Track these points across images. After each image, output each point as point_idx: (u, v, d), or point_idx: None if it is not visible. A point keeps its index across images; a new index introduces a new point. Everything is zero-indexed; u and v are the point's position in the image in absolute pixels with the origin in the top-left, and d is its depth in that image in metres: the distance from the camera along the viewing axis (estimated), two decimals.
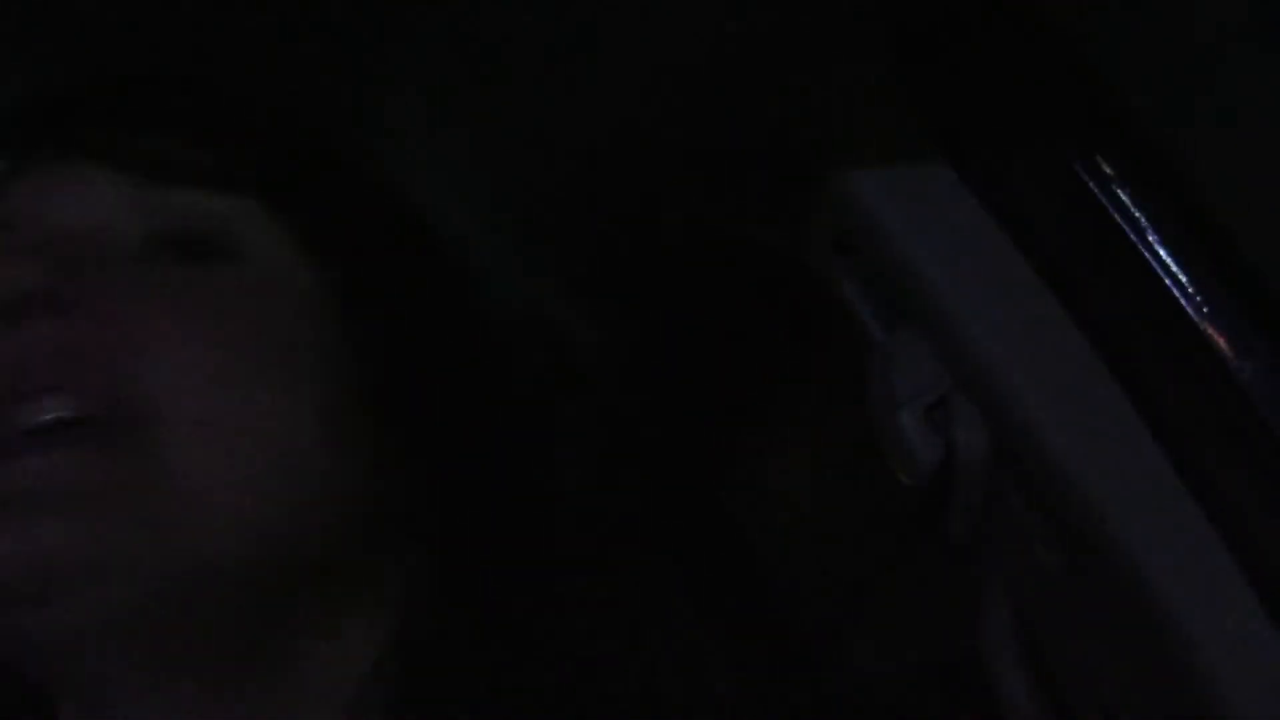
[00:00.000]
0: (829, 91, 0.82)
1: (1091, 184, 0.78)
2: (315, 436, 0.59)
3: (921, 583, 0.97)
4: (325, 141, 0.69)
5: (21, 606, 0.53)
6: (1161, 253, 0.77)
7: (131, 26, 0.77)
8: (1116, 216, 0.77)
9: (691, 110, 0.84)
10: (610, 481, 0.89)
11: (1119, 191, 0.78)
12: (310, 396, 0.60)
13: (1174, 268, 0.77)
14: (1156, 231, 0.77)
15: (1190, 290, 0.77)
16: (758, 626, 1.04)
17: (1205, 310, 0.77)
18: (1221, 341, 0.76)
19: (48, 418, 0.55)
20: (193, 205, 0.61)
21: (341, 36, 0.82)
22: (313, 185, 0.66)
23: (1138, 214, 0.77)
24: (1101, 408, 0.79)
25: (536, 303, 1.02)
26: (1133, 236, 0.77)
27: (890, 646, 1.01)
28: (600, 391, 1.02)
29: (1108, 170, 0.78)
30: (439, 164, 0.87)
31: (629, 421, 1.02)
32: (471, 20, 0.82)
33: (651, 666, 0.74)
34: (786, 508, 1.06)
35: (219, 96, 0.68)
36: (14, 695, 0.63)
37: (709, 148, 0.87)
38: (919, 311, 0.83)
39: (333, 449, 0.60)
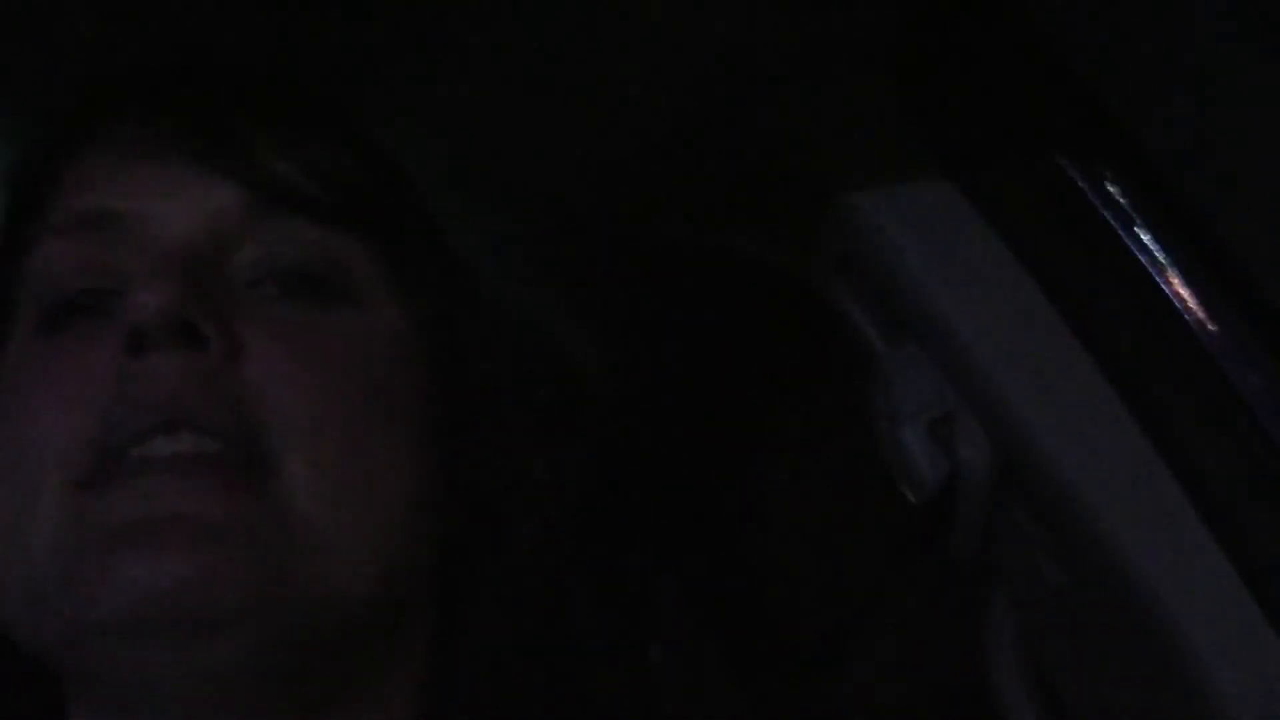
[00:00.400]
0: (832, 108, 0.82)
1: (1094, 199, 0.78)
2: (410, 482, 0.59)
3: (926, 600, 0.97)
4: (411, 184, 0.69)
5: (140, 638, 0.53)
6: (1164, 267, 0.77)
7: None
8: (1119, 231, 0.77)
9: (695, 128, 0.84)
10: (615, 498, 0.89)
11: (1121, 206, 0.78)
12: (406, 441, 0.59)
13: (1177, 281, 0.77)
14: (1159, 245, 0.77)
15: (1194, 304, 0.77)
16: (760, 644, 1.03)
17: (1208, 323, 0.77)
18: (1225, 354, 0.76)
19: (173, 451, 0.54)
20: (308, 238, 0.60)
21: (341, 58, 0.82)
22: (413, 229, 0.66)
23: (1140, 228, 0.77)
24: (1105, 423, 0.79)
25: (542, 320, 1.02)
26: (1135, 250, 0.78)
27: (893, 664, 1.01)
28: (604, 408, 1.02)
29: (1109, 185, 0.78)
30: (442, 182, 0.88)
31: (632, 439, 1.02)
32: (477, 36, 0.83)
33: (656, 687, 0.74)
34: (789, 524, 1.06)
35: (338, 125, 0.67)
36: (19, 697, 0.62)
37: (712, 165, 0.87)
38: (922, 327, 0.83)
39: (421, 494, 0.60)
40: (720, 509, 1.06)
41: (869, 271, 0.86)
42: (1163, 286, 0.78)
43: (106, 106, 0.65)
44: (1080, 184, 0.79)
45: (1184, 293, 0.78)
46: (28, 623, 0.56)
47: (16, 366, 0.60)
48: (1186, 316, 0.77)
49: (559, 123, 0.88)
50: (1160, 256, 0.78)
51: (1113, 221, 0.78)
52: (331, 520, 0.55)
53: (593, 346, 1.05)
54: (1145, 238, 0.78)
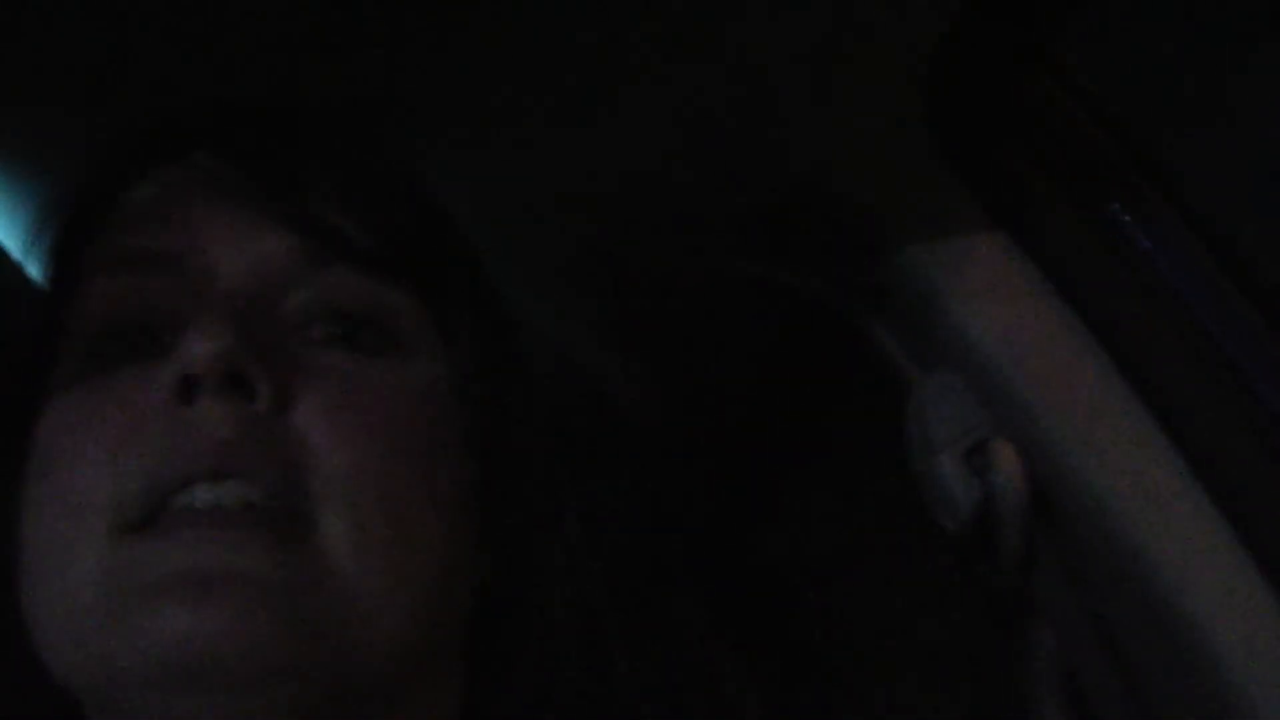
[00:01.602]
0: (866, 138, 0.82)
1: (1127, 227, 0.78)
2: (448, 537, 0.58)
3: (961, 626, 0.97)
4: (464, 239, 0.68)
5: (179, 687, 0.52)
6: (1199, 294, 0.77)
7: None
8: (1154, 257, 0.77)
9: (729, 156, 0.84)
10: (650, 537, 0.89)
11: (1153, 231, 0.78)
12: (446, 496, 0.59)
13: (1214, 311, 0.77)
14: (1192, 275, 0.77)
15: (1228, 330, 0.77)
16: (795, 672, 1.03)
17: (1244, 349, 0.77)
18: (1262, 382, 0.76)
19: (217, 499, 0.53)
20: (358, 286, 0.60)
21: (364, 90, 0.83)
22: (462, 283, 0.65)
23: (1175, 258, 0.77)
24: (1141, 450, 0.79)
25: (575, 355, 1.02)
26: (1168, 276, 0.77)
27: (929, 693, 1.00)
28: (639, 444, 1.02)
29: (1142, 215, 0.78)
30: (468, 219, 0.88)
31: (667, 476, 1.02)
32: (500, 66, 0.83)
33: (693, 714, 0.74)
34: (823, 552, 1.06)
35: (391, 176, 0.66)
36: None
37: (747, 194, 0.87)
38: (957, 355, 0.83)
39: (459, 548, 0.59)
40: (755, 543, 1.06)
41: (903, 299, 0.86)
42: (1198, 312, 0.78)
43: (162, 145, 0.64)
44: (1112, 210, 0.79)
45: (1221, 317, 0.77)
46: (65, 660, 0.56)
47: (62, 402, 0.60)
48: (1222, 342, 0.77)
49: (587, 150, 0.88)
50: (1192, 282, 0.78)
51: (1147, 247, 0.78)
52: (370, 576, 0.55)
53: (627, 381, 1.05)
54: (1177, 262, 0.78)
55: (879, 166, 0.84)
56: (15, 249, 0.70)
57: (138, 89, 0.71)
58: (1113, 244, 0.81)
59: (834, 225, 0.86)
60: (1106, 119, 0.79)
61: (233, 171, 0.61)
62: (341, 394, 0.57)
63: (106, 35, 0.68)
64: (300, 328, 0.59)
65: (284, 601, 0.52)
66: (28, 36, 0.69)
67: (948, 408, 0.84)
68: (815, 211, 0.86)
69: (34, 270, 0.68)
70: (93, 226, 0.63)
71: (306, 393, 0.56)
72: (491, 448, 0.62)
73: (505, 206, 0.93)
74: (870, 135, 0.83)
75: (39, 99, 0.75)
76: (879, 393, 0.91)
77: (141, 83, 0.71)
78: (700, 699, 0.78)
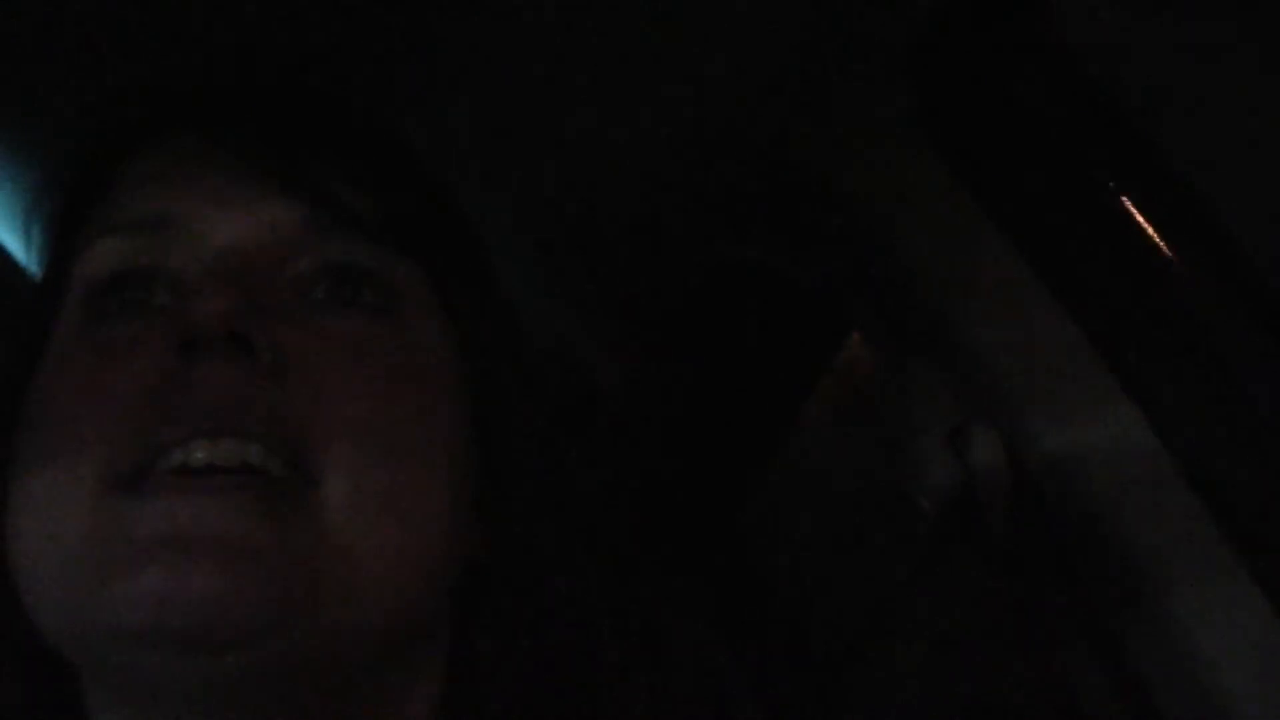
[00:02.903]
0: (849, 123, 0.82)
1: (1115, 215, 0.79)
2: (446, 508, 0.58)
3: (941, 608, 0.98)
4: (462, 210, 0.69)
5: (159, 648, 0.52)
6: (1186, 281, 0.78)
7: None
8: (1139, 239, 0.78)
9: (712, 142, 0.85)
10: (632, 511, 0.89)
11: (1143, 217, 0.78)
12: (443, 459, 0.59)
13: (1201, 299, 0.77)
14: (1180, 263, 0.78)
15: (1210, 310, 0.77)
16: (777, 654, 1.04)
17: (1223, 329, 0.77)
18: (1239, 360, 0.77)
19: (212, 458, 0.53)
20: (360, 252, 0.60)
21: (364, 70, 0.83)
22: (459, 252, 0.65)
23: (1162, 247, 0.78)
24: (1121, 431, 0.80)
25: (559, 332, 1.03)
26: (1156, 267, 0.78)
27: (910, 674, 1.01)
28: (621, 421, 1.02)
29: (1130, 203, 0.79)
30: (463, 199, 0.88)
31: (648, 451, 1.03)
32: (498, 54, 0.83)
33: (679, 695, 0.74)
34: (805, 535, 1.06)
35: (388, 141, 0.67)
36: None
37: (729, 178, 0.88)
38: (938, 338, 0.84)
39: (455, 519, 0.59)
40: (737, 520, 1.06)
41: (889, 286, 0.86)
42: (1182, 299, 0.78)
43: (166, 114, 0.64)
44: (1099, 198, 0.80)
45: (1205, 306, 0.78)
46: (54, 617, 0.56)
47: (62, 359, 0.59)
48: (1209, 330, 0.78)
49: (571, 134, 0.88)
50: (1177, 260, 0.78)
51: (1132, 230, 0.78)
52: (366, 538, 0.55)
53: (609, 359, 1.05)
54: (1165, 250, 0.79)
55: (868, 156, 0.84)
56: (13, 219, 0.70)
57: (138, 63, 0.71)
58: (1099, 232, 0.81)
59: (821, 214, 0.86)
60: (1097, 109, 0.79)
61: (237, 140, 0.61)
62: (343, 354, 0.57)
63: (109, 9, 0.69)
64: (302, 291, 0.59)
65: (275, 565, 0.52)
66: (28, 8, 0.69)
67: (930, 391, 0.85)
68: (803, 196, 0.86)
69: (33, 242, 0.68)
70: (94, 194, 0.63)
71: (308, 353, 0.56)
72: (489, 416, 0.63)
73: (500, 192, 0.94)
74: (859, 125, 0.83)
75: (38, 72, 0.75)
76: (864, 377, 0.91)
77: (142, 57, 0.72)
78: (686, 679, 0.78)
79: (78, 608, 0.54)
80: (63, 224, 0.65)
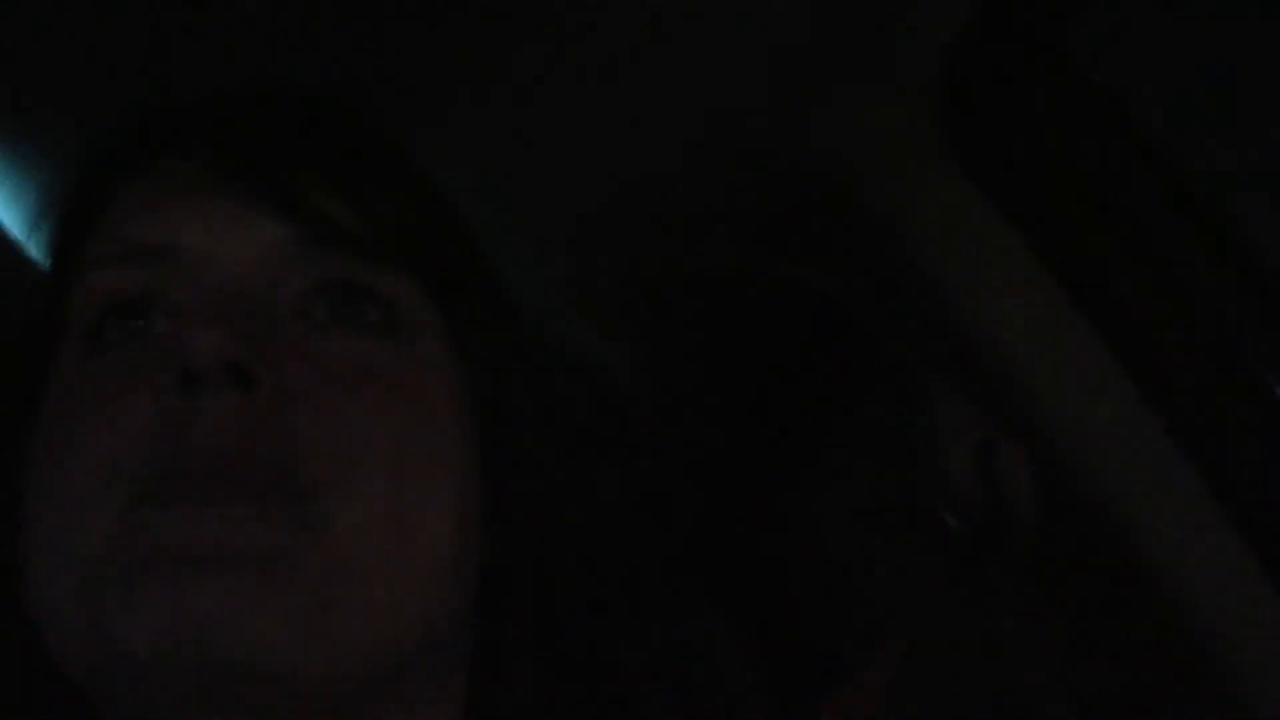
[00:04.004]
0: (875, 136, 0.82)
1: (1136, 227, 0.78)
2: (453, 527, 0.58)
3: (964, 624, 0.97)
4: (463, 224, 0.68)
5: (162, 669, 0.52)
6: (1208, 295, 0.77)
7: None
8: (1164, 260, 0.77)
9: (739, 153, 0.84)
10: (652, 522, 0.89)
11: (1165, 237, 0.78)
12: (449, 477, 0.58)
13: (1223, 312, 0.77)
14: (1203, 275, 0.77)
15: (1240, 332, 0.77)
16: (799, 668, 1.03)
17: (1251, 345, 0.77)
18: (1271, 385, 0.76)
19: (222, 486, 0.53)
20: (354, 272, 0.59)
21: (375, 86, 0.82)
22: (461, 268, 0.65)
23: (1185, 259, 0.77)
24: (1148, 447, 0.79)
25: (578, 343, 1.02)
26: (1179, 279, 0.77)
27: (932, 688, 1.00)
28: (641, 432, 1.02)
29: (1152, 216, 0.78)
30: (477, 211, 0.87)
31: (669, 463, 1.02)
32: (507, 61, 0.83)
33: (700, 707, 0.73)
34: (826, 548, 1.05)
35: (389, 164, 0.66)
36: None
37: (757, 189, 0.87)
38: (966, 352, 0.83)
39: (463, 530, 0.59)
40: (758, 533, 1.06)
41: (913, 297, 0.85)
42: (1205, 313, 0.78)
43: (156, 138, 0.64)
44: (1121, 210, 0.79)
45: (1227, 319, 0.77)
46: (68, 642, 0.56)
47: (62, 393, 0.60)
48: (1232, 343, 0.77)
49: (591, 142, 0.88)
50: (1199, 281, 0.78)
51: (1157, 247, 0.78)
52: (372, 557, 0.54)
53: (630, 369, 1.05)
54: (1188, 263, 0.78)
55: (890, 165, 0.84)
56: (18, 234, 0.70)
57: (136, 75, 0.71)
58: (1122, 244, 0.81)
59: (844, 223, 0.86)
60: (1117, 120, 0.79)
61: (229, 163, 0.61)
62: (345, 376, 0.57)
63: (105, 23, 0.69)
64: (302, 312, 0.59)
65: (283, 578, 0.52)
66: (29, 25, 0.69)
67: (956, 406, 0.84)
68: (825, 209, 0.86)
69: (35, 255, 0.67)
70: (89, 221, 0.63)
71: (309, 378, 0.56)
72: (495, 431, 0.62)
73: (510, 199, 0.93)
74: (881, 134, 0.83)
75: (41, 86, 0.75)
76: (887, 390, 0.91)
77: (140, 69, 0.72)
78: (703, 687, 0.78)
79: (90, 628, 0.54)
80: (58, 253, 0.65)
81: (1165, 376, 0.80)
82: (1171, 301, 0.80)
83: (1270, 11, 0.78)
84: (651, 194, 0.89)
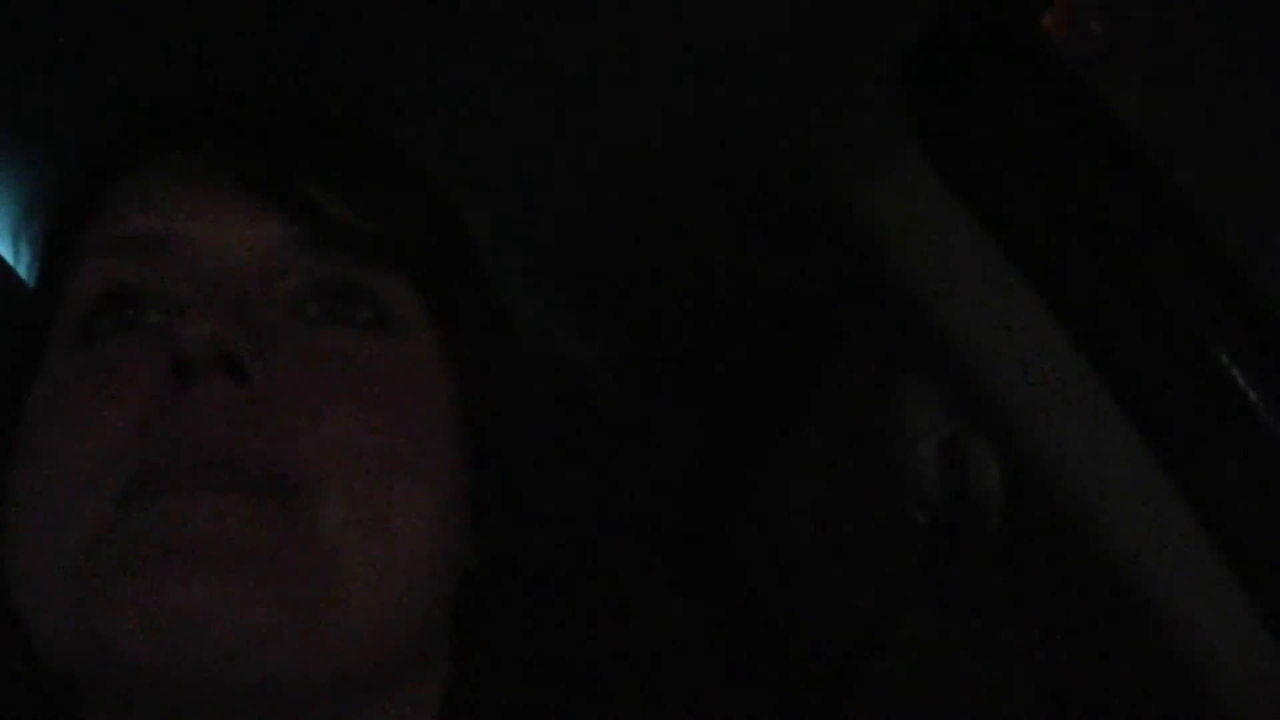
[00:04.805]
0: (846, 133, 0.82)
1: (1111, 224, 0.79)
2: (438, 523, 0.58)
3: (937, 618, 0.98)
4: (460, 226, 0.68)
5: (146, 664, 0.52)
6: (1182, 290, 0.78)
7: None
8: (1135, 253, 0.78)
9: (709, 150, 0.85)
10: (624, 520, 0.90)
11: (1138, 229, 0.79)
12: (437, 475, 0.59)
13: (1197, 307, 0.77)
14: (1177, 271, 0.78)
15: (1214, 327, 0.77)
16: (775, 667, 1.04)
17: (1215, 335, 0.77)
18: (1230, 364, 0.77)
19: (211, 476, 0.53)
20: (349, 270, 0.60)
21: (353, 73, 0.83)
22: (455, 268, 0.65)
23: (1159, 253, 0.78)
24: (1113, 441, 0.80)
25: (555, 340, 1.03)
26: (1152, 276, 0.78)
27: (907, 684, 1.01)
28: (617, 430, 1.02)
29: (1127, 211, 0.79)
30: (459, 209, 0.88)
31: (641, 461, 1.03)
32: (490, 57, 0.83)
33: (667, 703, 0.74)
34: (796, 544, 1.06)
35: (380, 154, 0.67)
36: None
37: (726, 187, 0.88)
38: (936, 350, 0.84)
39: (448, 534, 0.59)
40: (732, 530, 1.06)
41: (884, 294, 0.86)
42: (1178, 308, 0.78)
43: (156, 130, 0.64)
44: (1095, 206, 0.80)
45: (1201, 314, 0.78)
46: (51, 634, 0.56)
47: (54, 384, 0.60)
48: (1205, 338, 0.78)
49: (568, 140, 0.88)
50: (1171, 272, 0.78)
51: (1127, 241, 0.78)
52: (358, 554, 0.55)
53: (605, 366, 1.05)
54: (1162, 259, 0.79)
55: (860, 161, 0.84)
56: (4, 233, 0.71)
57: (129, 75, 0.71)
58: (1096, 241, 0.81)
59: (816, 221, 0.86)
60: (1087, 112, 0.79)
61: (226, 158, 0.61)
62: (336, 372, 0.57)
63: (100, 21, 0.69)
64: (295, 308, 0.59)
65: (269, 570, 0.52)
66: (20, 22, 0.69)
67: (925, 402, 0.85)
68: (797, 207, 0.86)
69: (21, 256, 0.68)
70: (86, 212, 0.63)
71: (301, 372, 0.56)
72: (483, 432, 0.63)
73: (491, 196, 0.93)
74: (851, 130, 0.83)
75: (31, 84, 0.75)
76: (858, 387, 0.91)
77: (133, 69, 0.72)
78: (681, 687, 0.79)
79: (75, 622, 0.54)
80: (53, 242, 0.65)
81: (1138, 377, 0.80)
82: (1145, 303, 0.80)
83: (1249, 6, 0.79)
84: (630, 196, 0.90)
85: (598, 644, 0.69)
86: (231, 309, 0.56)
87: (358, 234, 0.60)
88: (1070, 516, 0.80)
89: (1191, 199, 0.78)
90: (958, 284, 0.83)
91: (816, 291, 0.92)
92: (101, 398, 0.56)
